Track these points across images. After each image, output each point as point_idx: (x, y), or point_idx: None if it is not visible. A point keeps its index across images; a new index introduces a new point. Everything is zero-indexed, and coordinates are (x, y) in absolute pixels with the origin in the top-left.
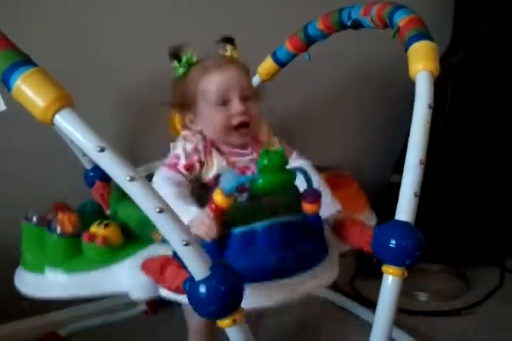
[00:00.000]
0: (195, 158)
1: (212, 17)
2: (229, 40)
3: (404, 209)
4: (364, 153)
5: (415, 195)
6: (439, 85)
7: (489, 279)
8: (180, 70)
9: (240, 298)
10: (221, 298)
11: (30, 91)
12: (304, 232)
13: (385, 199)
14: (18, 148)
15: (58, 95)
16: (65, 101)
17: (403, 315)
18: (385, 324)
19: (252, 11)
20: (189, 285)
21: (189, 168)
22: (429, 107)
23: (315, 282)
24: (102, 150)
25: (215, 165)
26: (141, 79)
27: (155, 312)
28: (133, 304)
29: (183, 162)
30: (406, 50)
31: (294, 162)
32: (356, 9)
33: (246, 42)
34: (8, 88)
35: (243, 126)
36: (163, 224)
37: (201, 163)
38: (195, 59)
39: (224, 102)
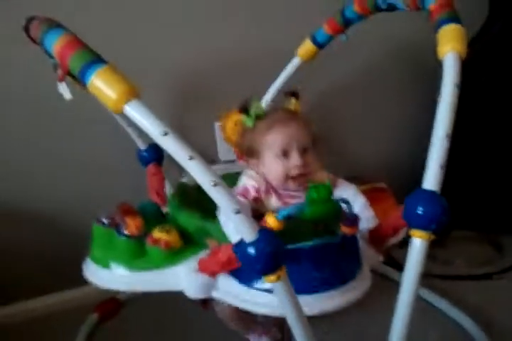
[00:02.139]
0: (258, 194)
1: (256, 3)
2: (294, 94)
3: (431, 179)
4: (399, 140)
5: (441, 166)
6: (474, 60)
7: None
8: (249, 123)
9: (283, 258)
10: (267, 257)
11: (103, 85)
12: (341, 251)
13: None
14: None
15: (127, 88)
16: (133, 93)
17: (436, 280)
18: (413, 283)
19: None
20: (240, 247)
21: (256, 200)
22: (456, 86)
23: (350, 294)
24: (166, 134)
25: (271, 205)
26: (187, 67)
27: (207, 309)
28: None
29: (252, 194)
30: (436, 32)
31: (341, 190)
32: None
33: (285, 27)
34: (84, 83)
35: (300, 175)
36: (217, 196)
37: (261, 201)
38: (261, 112)
39: (285, 154)
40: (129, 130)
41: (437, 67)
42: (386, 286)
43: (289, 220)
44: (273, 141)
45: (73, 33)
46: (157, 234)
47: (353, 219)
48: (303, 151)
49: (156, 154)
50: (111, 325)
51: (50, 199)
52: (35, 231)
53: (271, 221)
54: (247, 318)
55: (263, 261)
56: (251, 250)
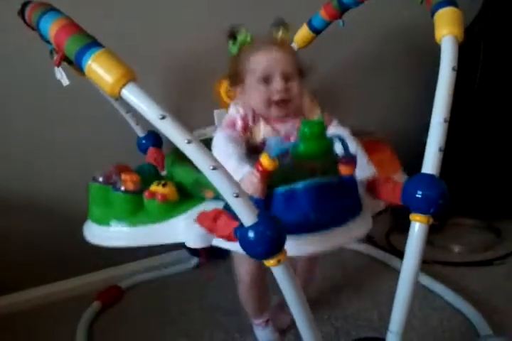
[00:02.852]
0: (246, 122)
1: None
2: (282, 24)
3: (430, 163)
4: (397, 116)
5: (440, 149)
6: (471, 46)
7: None
8: (234, 49)
9: (283, 242)
10: (267, 241)
11: (100, 69)
12: (339, 191)
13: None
14: (85, 119)
15: (124, 72)
16: (130, 76)
17: (437, 266)
18: (413, 266)
19: None
20: (240, 231)
21: (245, 128)
22: (453, 69)
23: (349, 234)
24: (163, 117)
25: (262, 131)
26: (186, 52)
27: (207, 260)
28: (183, 260)
29: (239, 122)
30: (432, 16)
31: (334, 129)
32: None
33: (282, 11)
34: (81, 67)
35: (282, 102)
36: (216, 179)
37: (250, 129)
38: (249, 39)
39: (266, 80)
40: (128, 117)
41: (436, 50)
42: (387, 274)
43: (283, 158)
44: (255, 65)
45: (68, 17)
46: (154, 187)
47: (349, 157)
48: (286, 78)
49: (154, 141)
50: (113, 312)
51: (50, 189)
52: (34, 220)
53: (265, 161)
54: (262, 297)
55: (263, 245)
56: (251, 233)
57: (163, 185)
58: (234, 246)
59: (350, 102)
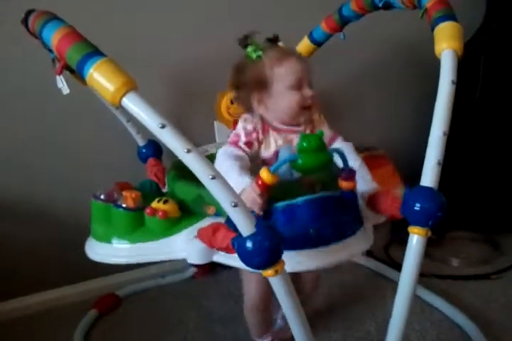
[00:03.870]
0: (254, 136)
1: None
2: (275, 39)
3: (429, 176)
4: (398, 131)
5: (438, 163)
6: (472, 60)
7: None
8: (255, 54)
9: (280, 252)
10: (265, 251)
11: (101, 78)
12: (339, 206)
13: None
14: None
15: (125, 81)
16: (131, 85)
17: (435, 279)
18: (410, 278)
19: None
20: (238, 241)
21: (249, 144)
22: (453, 83)
23: (349, 250)
24: (163, 126)
25: (272, 143)
26: (187, 62)
27: (204, 275)
28: (181, 270)
29: (243, 139)
30: (432, 30)
31: (338, 145)
32: None
33: (285, 23)
34: (82, 76)
35: (310, 107)
36: (215, 189)
37: (260, 142)
38: (262, 46)
39: (297, 87)
40: (128, 126)
41: (436, 64)
42: (385, 286)
43: (284, 176)
44: (287, 73)
45: (71, 26)
46: (155, 204)
47: (349, 171)
48: (310, 86)
49: (154, 150)
50: (109, 320)
51: (51, 196)
52: (34, 227)
53: (265, 175)
54: (267, 317)
55: (260, 256)
56: (248, 244)
57: (164, 202)
58: (240, 264)
59: (349, 114)
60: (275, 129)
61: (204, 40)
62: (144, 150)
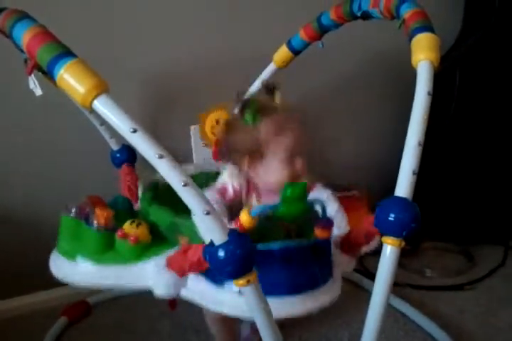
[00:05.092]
0: (238, 193)
1: (232, 4)
2: (274, 87)
3: (403, 186)
4: (377, 142)
5: (413, 172)
6: (448, 73)
7: (493, 258)
8: (252, 121)
9: (253, 262)
10: (237, 260)
11: (72, 79)
12: (312, 255)
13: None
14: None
15: (96, 83)
16: (102, 88)
17: (409, 289)
18: (384, 288)
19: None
20: (209, 250)
21: (232, 200)
22: (429, 94)
23: (320, 300)
24: (135, 131)
25: (254, 202)
26: (166, 65)
27: (173, 309)
28: None
29: (230, 194)
30: (409, 40)
31: (317, 193)
32: (366, 1)
33: (262, 31)
34: (53, 77)
35: (298, 177)
36: (187, 196)
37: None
38: (259, 108)
39: (291, 160)
40: (101, 130)
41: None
42: (359, 295)
43: (262, 218)
44: (281, 148)
45: (43, 25)
46: (127, 227)
47: (327, 221)
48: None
49: (128, 155)
50: (79, 328)
51: (22, 199)
52: (1, 232)
53: (244, 218)
54: (230, 329)
55: (232, 265)
56: (220, 252)
57: (137, 225)
58: (203, 302)
59: (325, 125)
60: (257, 192)
61: (182, 43)
62: (117, 155)
